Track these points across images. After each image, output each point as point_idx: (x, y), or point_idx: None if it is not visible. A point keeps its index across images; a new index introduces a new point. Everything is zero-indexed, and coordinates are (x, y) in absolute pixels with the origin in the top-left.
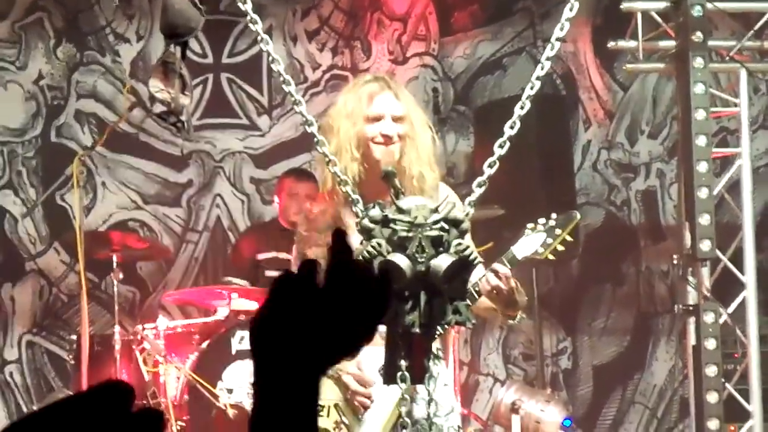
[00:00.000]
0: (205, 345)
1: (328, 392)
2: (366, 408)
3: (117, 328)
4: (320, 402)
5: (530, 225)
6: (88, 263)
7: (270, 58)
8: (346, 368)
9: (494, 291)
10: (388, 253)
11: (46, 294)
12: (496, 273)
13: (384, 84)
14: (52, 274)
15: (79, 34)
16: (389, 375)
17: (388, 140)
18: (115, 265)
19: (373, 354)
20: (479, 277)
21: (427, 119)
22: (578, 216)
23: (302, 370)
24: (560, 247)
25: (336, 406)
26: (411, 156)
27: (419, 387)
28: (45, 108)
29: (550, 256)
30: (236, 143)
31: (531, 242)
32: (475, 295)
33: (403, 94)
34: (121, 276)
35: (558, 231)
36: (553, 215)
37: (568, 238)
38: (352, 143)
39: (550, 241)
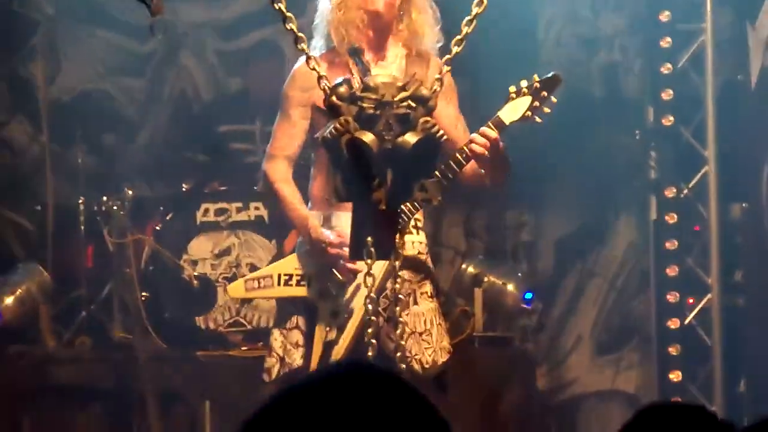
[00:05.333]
0: (169, 217)
1: (308, 263)
2: (354, 274)
3: (81, 199)
4: (301, 271)
5: (513, 88)
6: (53, 134)
7: None
8: (332, 240)
9: (484, 153)
10: (356, 130)
11: (10, 164)
12: (484, 135)
13: None
14: (17, 144)
15: None
16: (355, 251)
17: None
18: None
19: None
20: (466, 142)
21: None
22: (560, 77)
23: None
24: (547, 110)
25: (317, 274)
26: (412, 15)
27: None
28: None
29: (538, 119)
30: (200, 14)
31: (517, 106)
32: (462, 161)
33: None
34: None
35: (544, 93)
36: (536, 76)
37: (554, 100)
38: None
39: (536, 104)
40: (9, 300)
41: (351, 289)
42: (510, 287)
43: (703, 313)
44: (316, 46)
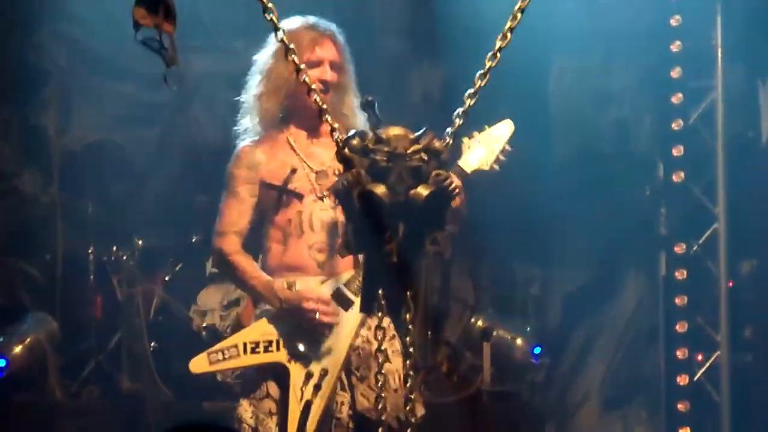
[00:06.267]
0: (178, 268)
1: (277, 325)
2: (330, 327)
3: (91, 249)
4: (268, 337)
5: (465, 138)
6: (63, 184)
7: None
8: (306, 294)
9: None
10: (367, 182)
11: (21, 214)
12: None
13: (325, 30)
14: (27, 193)
15: None
16: (367, 304)
17: (326, 86)
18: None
19: (324, 284)
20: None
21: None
22: (512, 125)
23: None
24: (502, 158)
25: (286, 337)
26: (345, 102)
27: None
28: (19, 27)
29: (496, 167)
30: (211, 65)
31: (475, 155)
32: None
33: (341, 40)
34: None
35: (497, 144)
36: (486, 126)
37: (509, 148)
38: (286, 87)
39: (495, 151)
40: (18, 349)
41: (326, 345)
42: (519, 341)
43: (712, 369)
44: (248, 128)
